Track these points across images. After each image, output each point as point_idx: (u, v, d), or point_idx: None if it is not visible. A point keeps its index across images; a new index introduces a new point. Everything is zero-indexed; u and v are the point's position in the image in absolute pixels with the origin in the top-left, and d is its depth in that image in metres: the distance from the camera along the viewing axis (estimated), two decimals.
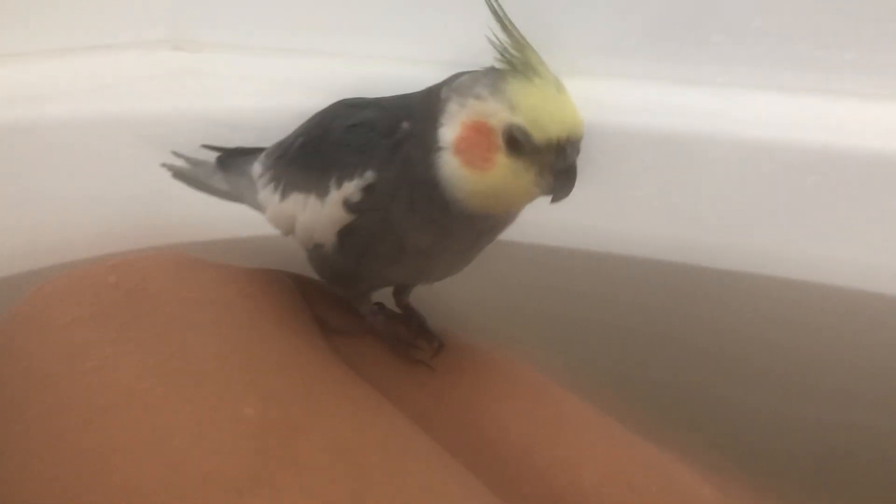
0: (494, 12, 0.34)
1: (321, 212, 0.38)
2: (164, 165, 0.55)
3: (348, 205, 0.37)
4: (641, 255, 0.66)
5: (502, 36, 0.34)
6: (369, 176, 0.36)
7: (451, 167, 0.34)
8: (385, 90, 0.79)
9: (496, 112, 0.33)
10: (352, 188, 0.37)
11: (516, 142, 0.33)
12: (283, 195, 0.41)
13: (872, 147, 0.62)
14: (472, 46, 0.74)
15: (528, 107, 0.33)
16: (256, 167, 0.45)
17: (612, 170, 0.67)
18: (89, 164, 0.65)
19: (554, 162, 0.33)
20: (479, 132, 0.34)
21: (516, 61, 0.34)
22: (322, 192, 0.38)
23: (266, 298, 0.39)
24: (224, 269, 0.40)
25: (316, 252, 0.41)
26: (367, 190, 0.36)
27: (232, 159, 0.51)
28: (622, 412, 0.49)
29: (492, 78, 0.34)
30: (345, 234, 0.38)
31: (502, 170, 0.33)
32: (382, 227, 0.37)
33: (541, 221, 0.60)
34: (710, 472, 0.43)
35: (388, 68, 0.76)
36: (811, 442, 0.52)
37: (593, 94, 0.68)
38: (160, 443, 0.29)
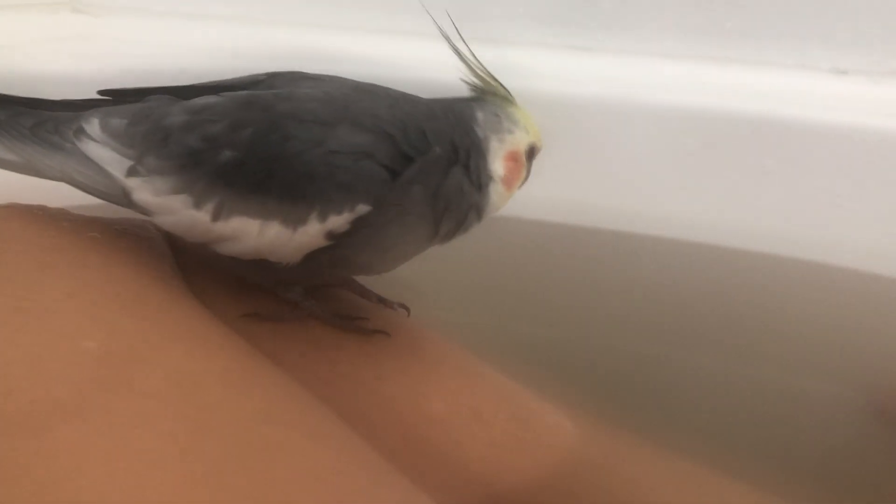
0: (463, 60, 0.43)
1: (290, 238, 0.37)
2: None
3: (332, 234, 0.37)
4: (547, 218, 0.68)
5: (473, 77, 0.44)
6: (361, 209, 0.37)
7: (498, 192, 0.44)
8: (282, 56, 0.80)
9: (522, 139, 0.44)
10: (340, 221, 0.37)
11: (532, 154, 0.45)
12: (219, 217, 0.37)
13: (749, 110, 0.64)
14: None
15: (531, 126, 0.44)
16: (106, 154, 0.39)
17: None
18: None
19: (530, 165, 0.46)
20: (515, 160, 0.44)
21: (500, 90, 0.44)
22: (294, 222, 0.37)
23: (123, 244, 0.39)
24: (81, 218, 0.40)
25: (258, 263, 0.39)
26: (357, 221, 0.37)
27: None
28: (528, 372, 0.51)
29: (501, 110, 0.44)
30: (313, 255, 0.38)
31: (522, 177, 0.45)
32: (365, 247, 0.38)
33: None
34: (571, 407, 0.45)
35: (287, 34, 0.76)
36: (754, 406, 0.54)
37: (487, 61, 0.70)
38: (1, 376, 0.30)
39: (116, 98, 0.43)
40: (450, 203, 0.40)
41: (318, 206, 0.37)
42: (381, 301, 0.46)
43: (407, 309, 0.47)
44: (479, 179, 0.42)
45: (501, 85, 0.44)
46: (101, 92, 0.44)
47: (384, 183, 0.37)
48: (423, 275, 0.49)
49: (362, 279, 0.47)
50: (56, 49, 0.74)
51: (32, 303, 0.33)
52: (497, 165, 0.43)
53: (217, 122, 0.37)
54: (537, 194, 0.68)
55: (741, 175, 0.65)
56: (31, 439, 0.27)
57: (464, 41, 0.44)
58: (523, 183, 0.46)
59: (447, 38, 0.43)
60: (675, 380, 0.56)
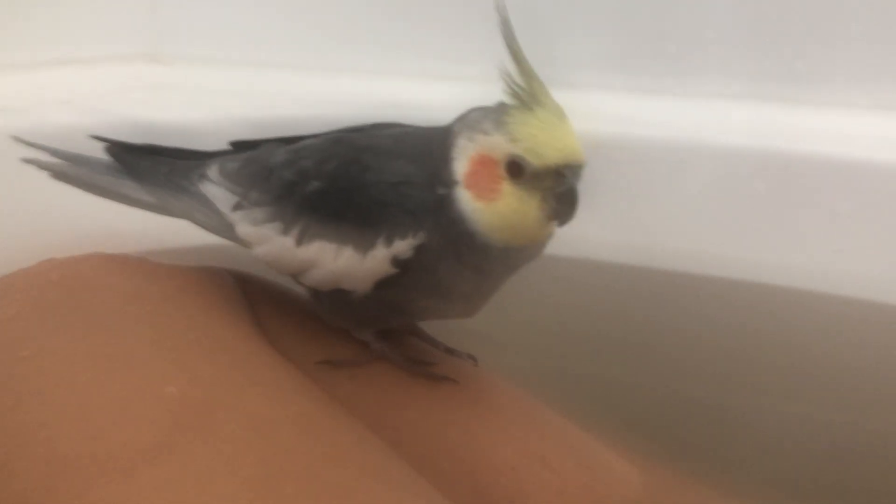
0: (508, 43, 0.37)
1: (360, 264, 0.39)
2: (28, 161, 0.48)
3: (396, 261, 0.38)
4: (604, 259, 0.67)
5: (512, 66, 0.37)
6: (421, 236, 0.38)
7: (465, 200, 0.37)
8: (357, 103, 0.82)
9: (499, 144, 0.36)
10: (404, 246, 0.38)
11: (518, 170, 0.36)
12: (302, 241, 0.40)
13: (818, 152, 0.63)
14: (443, 59, 0.76)
15: (526, 136, 0.35)
16: (220, 193, 0.43)
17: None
18: None
19: (554, 186, 0.36)
20: (484, 165, 0.36)
21: (521, 92, 0.37)
22: (364, 247, 0.38)
23: (201, 292, 0.41)
24: (162, 267, 0.43)
25: (335, 295, 0.41)
26: (419, 249, 0.38)
27: (140, 161, 0.47)
28: (594, 415, 0.51)
29: (498, 112, 0.37)
30: (383, 284, 0.39)
31: (507, 198, 0.36)
32: (428, 279, 0.39)
33: None
34: (636, 455, 0.44)
35: (359, 82, 0.78)
36: (777, 442, 0.53)
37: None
38: (84, 418, 0.32)
39: (238, 147, 0.47)
40: (449, 235, 0.38)
41: (385, 232, 0.38)
42: (449, 351, 0.46)
43: (474, 359, 0.46)
44: (443, 179, 0.38)
45: (530, 89, 0.37)
46: (230, 143, 0.48)
47: (431, 212, 0.38)
48: (489, 320, 0.49)
49: (431, 330, 0.48)
50: (134, 99, 0.78)
51: (117, 349, 0.35)
52: (458, 164, 0.37)
53: (310, 158, 0.41)
54: (603, 236, 0.68)
55: (812, 218, 0.64)
56: (120, 481, 0.29)
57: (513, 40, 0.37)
58: (556, 218, 0.37)
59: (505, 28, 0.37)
60: (743, 427, 0.55)
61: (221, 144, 0.71)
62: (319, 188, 0.40)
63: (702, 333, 0.63)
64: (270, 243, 0.41)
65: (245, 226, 0.42)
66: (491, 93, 0.37)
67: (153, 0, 0.84)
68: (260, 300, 0.44)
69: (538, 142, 0.35)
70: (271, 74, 0.82)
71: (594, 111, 0.69)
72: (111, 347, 0.35)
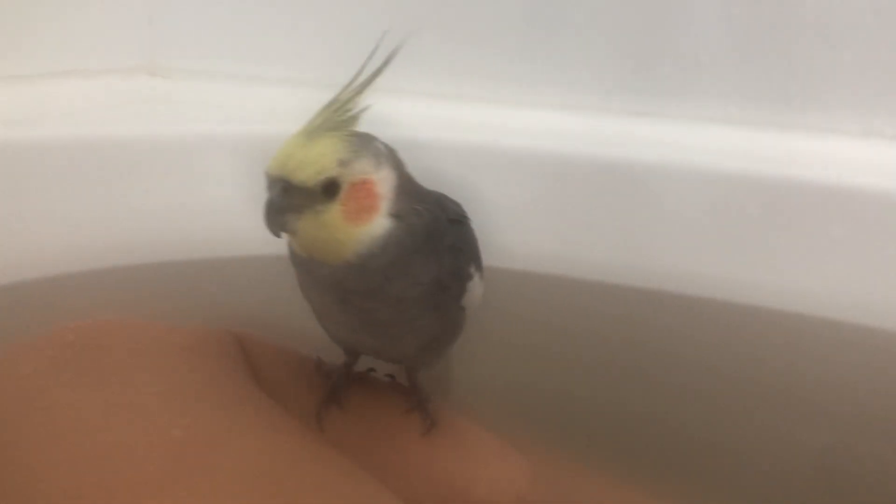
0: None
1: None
2: None
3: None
4: (599, 279, 0.69)
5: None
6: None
7: None
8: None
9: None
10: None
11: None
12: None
13: (811, 177, 0.64)
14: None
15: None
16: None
17: (570, 198, 0.70)
18: (63, 185, 0.67)
19: (268, 194, 0.38)
20: None
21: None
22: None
23: (202, 350, 0.45)
24: (167, 328, 0.46)
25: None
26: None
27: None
28: (577, 440, 0.53)
29: None
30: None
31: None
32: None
33: (507, 245, 0.63)
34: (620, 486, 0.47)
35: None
36: (764, 463, 0.54)
37: (549, 125, 0.72)
38: (96, 458, 0.35)
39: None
40: None
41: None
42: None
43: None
44: None
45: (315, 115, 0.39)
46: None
47: None
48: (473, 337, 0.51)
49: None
50: (133, 112, 0.78)
51: (127, 400, 0.39)
52: None
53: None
54: (595, 256, 0.69)
55: (807, 242, 0.65)
56: None
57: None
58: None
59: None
60: (745, 448, 0.56)
61: (218, 158, 0.72)
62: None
63: (692, 353, 0.64)
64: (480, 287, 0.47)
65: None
66: None
67: (151, 13, 0.84)
68: (257, 354, 0.47)
69: (279, 154, 0.38)
70: (269, 89, 0.82)
71: (591, 133, 0.71)
72: (121, 398, 0.39)
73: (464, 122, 0.73)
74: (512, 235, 0.68)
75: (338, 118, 0.39)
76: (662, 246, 0.68)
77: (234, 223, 0.70)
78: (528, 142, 0.71)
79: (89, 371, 0.40)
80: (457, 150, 0.70)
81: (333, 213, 0.37)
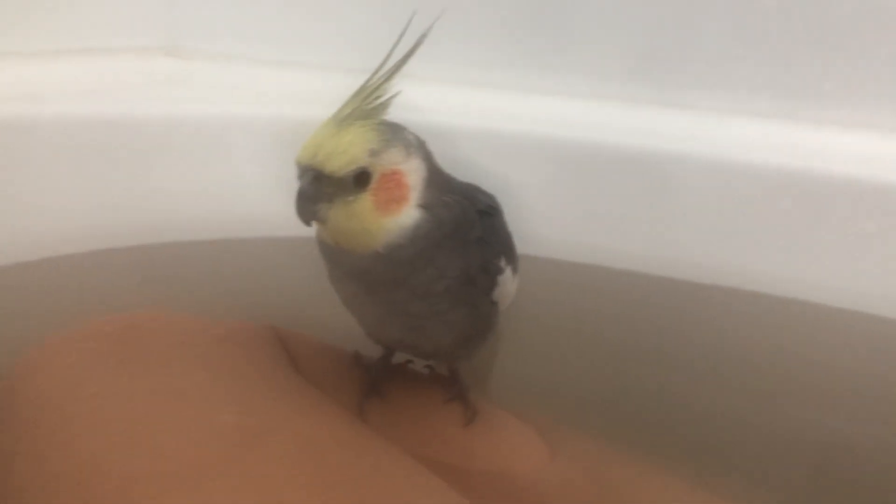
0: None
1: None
2: None
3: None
4: (627, 268, 0.69)
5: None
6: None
7: None
8: None
9: None
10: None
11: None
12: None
13: (845, 173, 0.63)
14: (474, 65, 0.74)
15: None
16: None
17: (599, 187, 0.69)
18: (83, 163, 0.66)
19: (299, 183, 0.37)
20: None
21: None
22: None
23: (243, 340, 0.45)
24: (204, 320, 0.46)
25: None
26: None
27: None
28: (601, 424, 0.52)
29: None
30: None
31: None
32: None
33: (533, 233, 0.62)
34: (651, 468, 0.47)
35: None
36: (785, 448, 0.54)
37: (577, 114, 0.71)
38: (149, 443, 0.35)
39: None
40: None
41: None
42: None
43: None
44: None
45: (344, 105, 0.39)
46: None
47: None
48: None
49: None
50: (149, 93, 0.76)
51: (173, 387, 0.39)
52: None
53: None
54: (624, 246, 0.68)
55: (838, 236, 0.64)
56: (190, 492, 0.32)
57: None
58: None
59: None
60: (774, 439, 0.55)
61: (234, 141, 0.71)
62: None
63: (718, 342, 0.64)
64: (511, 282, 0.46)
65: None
66: None
67: None
68: (295, 347, 0.47)
69: (302, 144, 0.38)
70: (288, 73, 0.81)
71: (619, 123, 0.70)
72: (167, 386, 0.39)
73: (489, 110, 0.72)
74: (539, 224, 0.68)
75: (368, 106, 0.38)
76: (692, 237, 0.68)
77: (252, 205, 0.69)
78: (557, 130, 0.70)
79: (133, 360, 0.40)
80: (485, 138, 0.69)
81: (364, 203, 0.37)
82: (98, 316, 0.44)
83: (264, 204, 0.69)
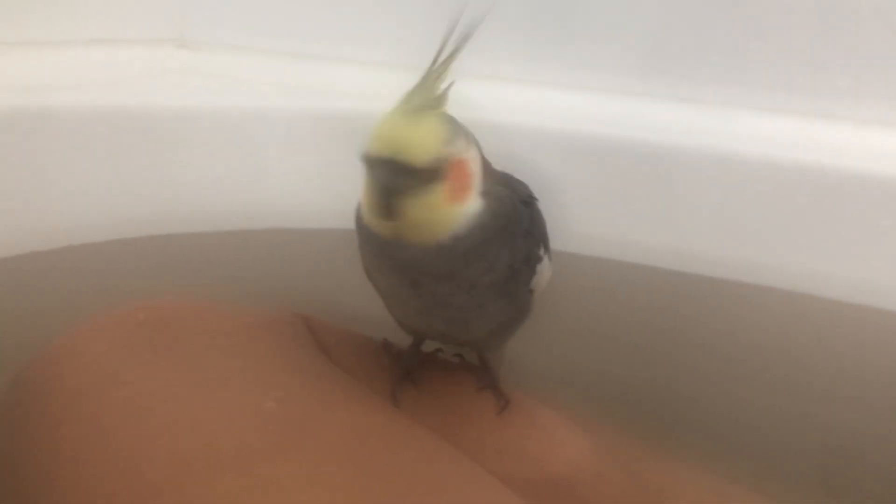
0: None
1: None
2: None
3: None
4: (641, 261, 0.69)
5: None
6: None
7: None
8: (383, 95, 0.81)
9: None
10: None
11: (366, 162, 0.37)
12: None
13: (861, 169, 0.64)
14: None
15: (374, 128, 0.36)
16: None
17: (612, 182, 0.69)
18: (94, 153, 0.66)
19: (372, 178, 0.36)
20: None
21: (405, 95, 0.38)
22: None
23: (274, 328, 0.45)
24: (233, 308, 0.46)
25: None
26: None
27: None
28: (612, 414, 0.52)
29: None
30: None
31: (364, 185, 0.38)
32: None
33: (563, 227, 0.62)
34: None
35: (391, 75, 0.77)
36: (795, 442, 0.54)
37: (591, 108, 0.71)
38: (196, 427, 0.35)
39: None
40: None
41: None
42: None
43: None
44: None
45: (409, 92, 0.38)
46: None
47: None
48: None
49: None
50: (161, 84, 0.76)
51: (212, 374, 0.39)
52: None
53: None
54: (639, 240, 0.68)
55: (855, 232, 0.64)
56: (242, 475, 0.32)
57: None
58: (376, 210, 0.38)
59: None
60: (789, 434, 0.55)
61: (245, 133, 0.71)
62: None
63: (741, 337, 0.64)
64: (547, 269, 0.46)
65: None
66: None
67: None
68: (324, 335, 0.47)
69: (372, 133, 0.36)
70: (299, 64, 0.81)
71: (638, 118, 0.70)
72: (206, 373, 0.39)
73: (501, 103, 0.72)
74: (552, 217, 0.66)
75: (433, 96, 0.37)
76: (706, 232, 0.68)
77: (268, 196, 0.69)
78: (571, 125, 0.70)
79: (166, 348, 0.40)
80: (497, 132, 0.68)
81: (440, 194, 0.36)
82: (120, 305, 0.44)
83: (280, 195, 0.69)
